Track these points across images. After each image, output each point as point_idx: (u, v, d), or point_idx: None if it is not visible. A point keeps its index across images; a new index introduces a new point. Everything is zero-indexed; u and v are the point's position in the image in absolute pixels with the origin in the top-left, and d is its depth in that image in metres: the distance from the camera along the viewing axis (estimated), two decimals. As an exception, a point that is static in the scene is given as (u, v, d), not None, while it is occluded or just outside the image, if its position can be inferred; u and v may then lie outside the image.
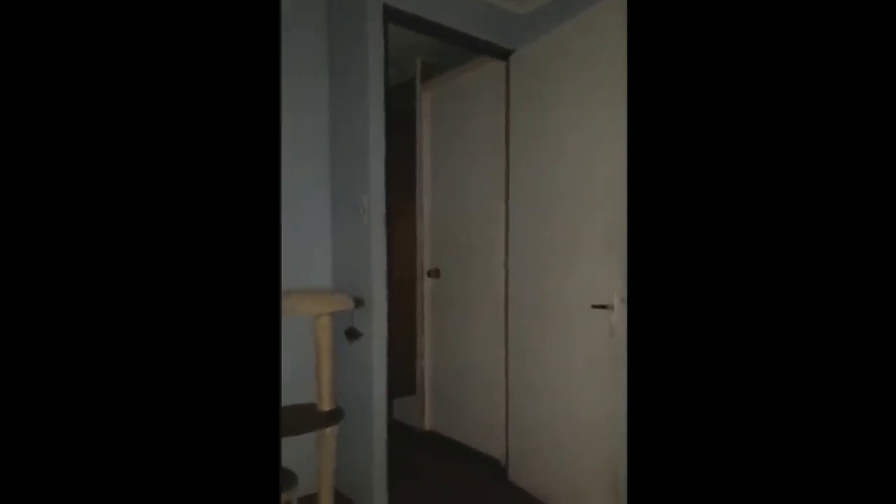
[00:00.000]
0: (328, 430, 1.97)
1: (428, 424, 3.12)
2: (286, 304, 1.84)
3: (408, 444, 2.95)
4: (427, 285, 3.09)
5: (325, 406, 1.97)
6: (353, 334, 2.07)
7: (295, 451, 2.04)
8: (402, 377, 3.07)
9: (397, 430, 3.09)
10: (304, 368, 2.11)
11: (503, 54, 2.42)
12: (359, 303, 2.04)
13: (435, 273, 3.03)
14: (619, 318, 1.85)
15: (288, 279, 2.18)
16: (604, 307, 1.88)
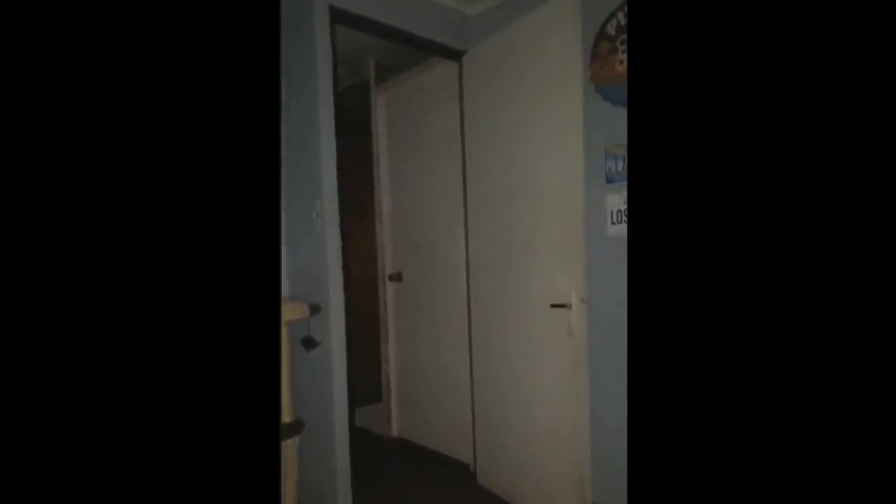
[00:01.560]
0: (289, 441, 1.91)
1: (396, 431, 3.07)
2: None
3: (375, 452, 2.90)
4: (390, 289, 3.05)
5: (285, 418, 1.90)
6: (309, 343, 2.01)
7: (253, 466, 1.97)
8: (368, 384, 3.02)
9: (364, 439, 3.03)
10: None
11: (456, 55, 2.41)
12: (315, 309, 1.99)
13: (397, 276, 2.99)
14: (577, 317, 1.86)
15: (241, 289, 2.11)
16: (563, 306, 1.89)
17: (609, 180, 1.88)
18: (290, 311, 1.89)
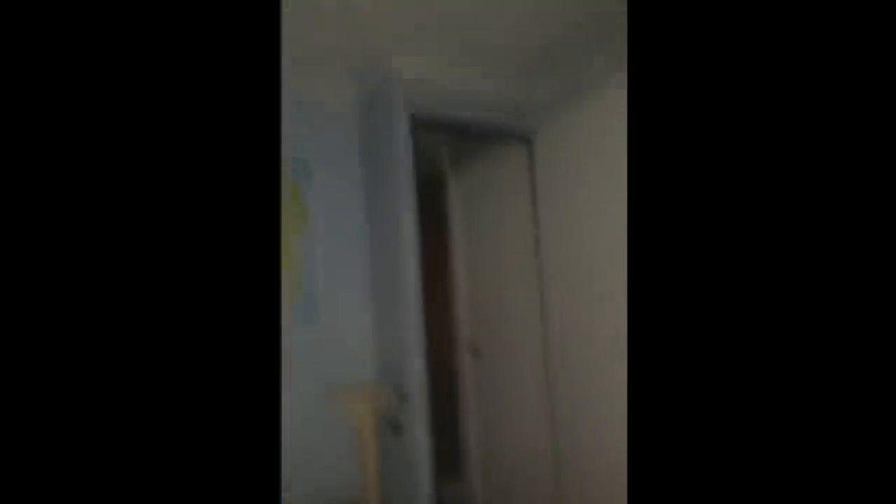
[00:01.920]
0: (376, 526, 1.96)
1: (480, 508, 3.01)
2: (331, 401, 1.89)
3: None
4: (469, 364, 3.09)
5: (372, 501, 1.96)
6: (396, 428, 2.09)
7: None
8: (449, 461, 3.01)
9: (448, 518, 2.99)
10: (347, 461, 2.12)
11: (526, 139, 2.54)
12: (402, 397, 2.07)
13: (476, 352, 3.03)
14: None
15: (333, 372, 2.26)
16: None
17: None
18: (377, 397, 1.98)
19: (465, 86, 2.41)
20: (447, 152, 3.13)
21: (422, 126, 2.24)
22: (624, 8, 1.95)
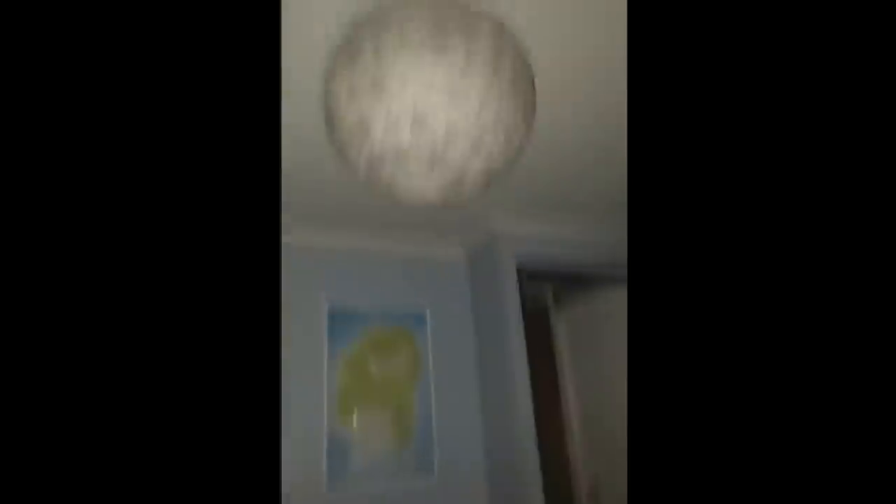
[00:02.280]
0: None
1: None
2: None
3: None
4: (587, 500, 2.96)
5: None
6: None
7: None
8: None
9: None
10: None
11: (623, 279, 2.70)
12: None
13: (595, 499, 2.92)
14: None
15: (452, 512, 2.34)
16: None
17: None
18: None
19: (568, 236, 2.70)
20: (551, 292, 3.36)
21: (527, 275, 2.53)
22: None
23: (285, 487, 2.13)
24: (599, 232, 2.79)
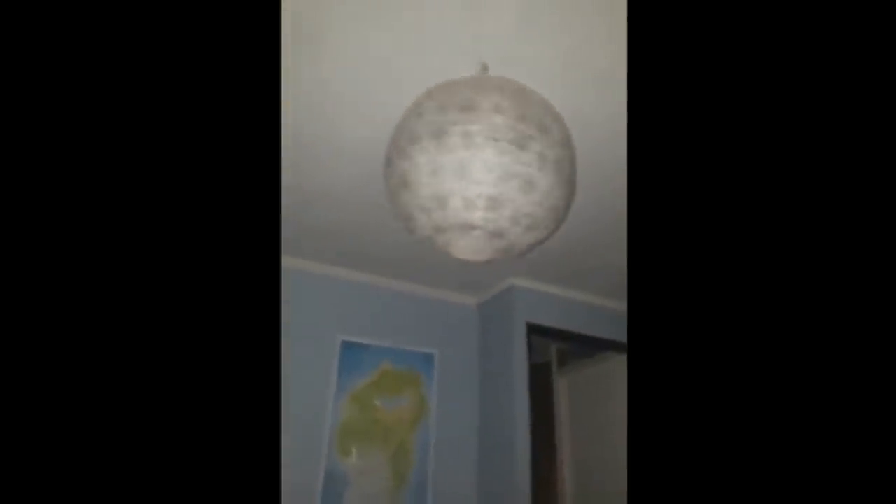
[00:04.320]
0: None
1: None
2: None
3: None
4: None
5: None
6: None
7: None
8: None
9: None
10: None
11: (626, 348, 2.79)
12: None
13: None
14: None
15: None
16: None
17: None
18: None
19: (576, 298, 2.81)
20: (555, 351, 3.43)
21: (535, 330, 2.62)
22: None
23: (280, 516, 2.15)
24: (610, 301, 2.90)
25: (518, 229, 1.01)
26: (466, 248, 1.05)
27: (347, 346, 2.57)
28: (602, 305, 2.87)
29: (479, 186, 0.94)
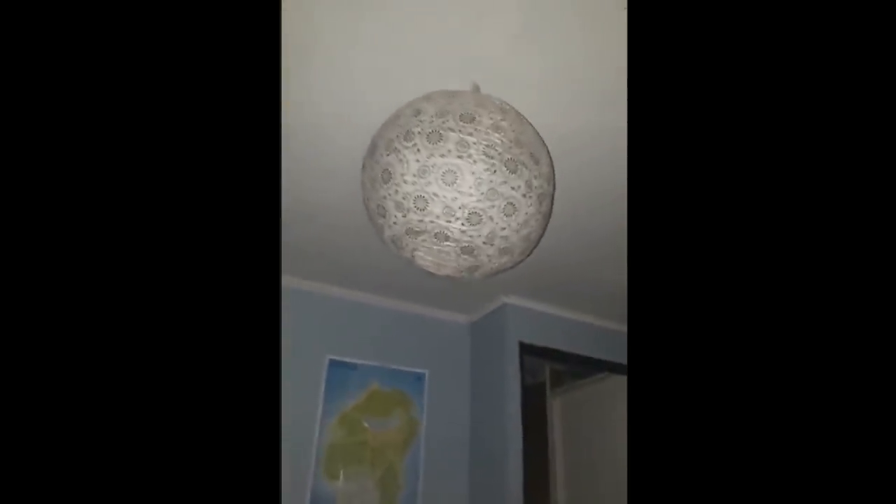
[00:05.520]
0: None
1: None
2: None
3: None
4: None
5: None
6: None
7: None
8: None
9: None
10: None
11: (623, 369, 2.75)
12: None
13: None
14: None
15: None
16: None
17: None
18: None
19: (570, 317, 2.77)
20: (548, 371, 3.39)
21: (528, 350, 2.58)
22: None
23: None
24: (606, 321, 2.86)
25: (491, 250, 0.99)
26: (431, 259, 1.03)
27: (335, 365, 2.52)
28: (597, 325, 2.84)
29: (464, 197, 0.92)
